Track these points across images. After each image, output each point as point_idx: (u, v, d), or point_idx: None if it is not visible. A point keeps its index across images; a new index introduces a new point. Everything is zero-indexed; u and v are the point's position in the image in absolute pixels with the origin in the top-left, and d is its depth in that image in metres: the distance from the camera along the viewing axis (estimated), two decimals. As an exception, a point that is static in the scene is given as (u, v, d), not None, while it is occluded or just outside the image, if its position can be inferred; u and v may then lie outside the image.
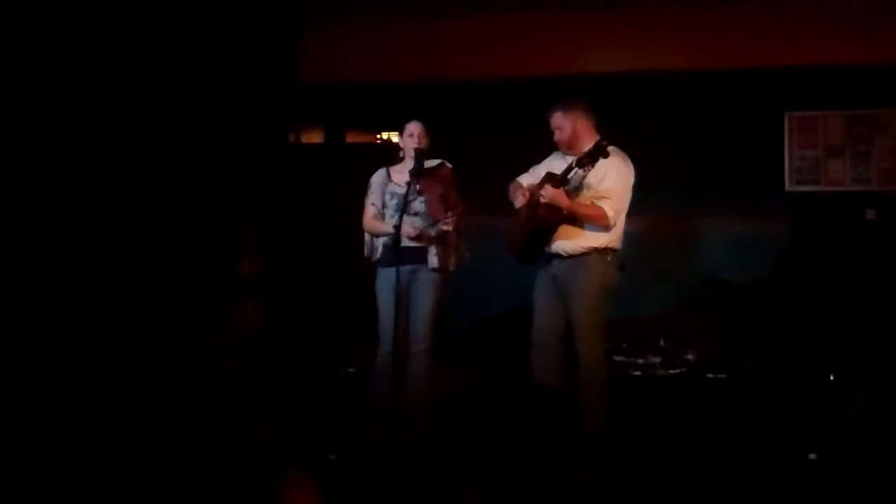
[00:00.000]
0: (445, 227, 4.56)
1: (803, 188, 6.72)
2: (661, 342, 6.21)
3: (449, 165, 4.77)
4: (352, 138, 7.91)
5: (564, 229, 4.46)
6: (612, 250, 4.52)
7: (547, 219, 4.43)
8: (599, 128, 4.53)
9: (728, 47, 6.22)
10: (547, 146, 4.78)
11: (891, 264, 6.11)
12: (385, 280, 4.61)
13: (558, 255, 4.52)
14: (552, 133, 4.56)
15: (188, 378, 5.40)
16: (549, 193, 4.36)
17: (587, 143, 4.40)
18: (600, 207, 4.40)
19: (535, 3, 6.37)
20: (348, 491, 3.66)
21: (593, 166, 4.30)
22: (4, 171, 4.84)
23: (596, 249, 4.46)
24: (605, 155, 4.27)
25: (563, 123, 4.50)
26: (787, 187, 6.74)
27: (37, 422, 4.19)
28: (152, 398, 4.82)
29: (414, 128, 4.67)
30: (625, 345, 6.10)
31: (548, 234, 4.49)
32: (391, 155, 4.91)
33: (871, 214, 6.47)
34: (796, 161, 6.74)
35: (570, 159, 4.47)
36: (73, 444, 3.98)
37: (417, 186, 4.60)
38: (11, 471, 3.49)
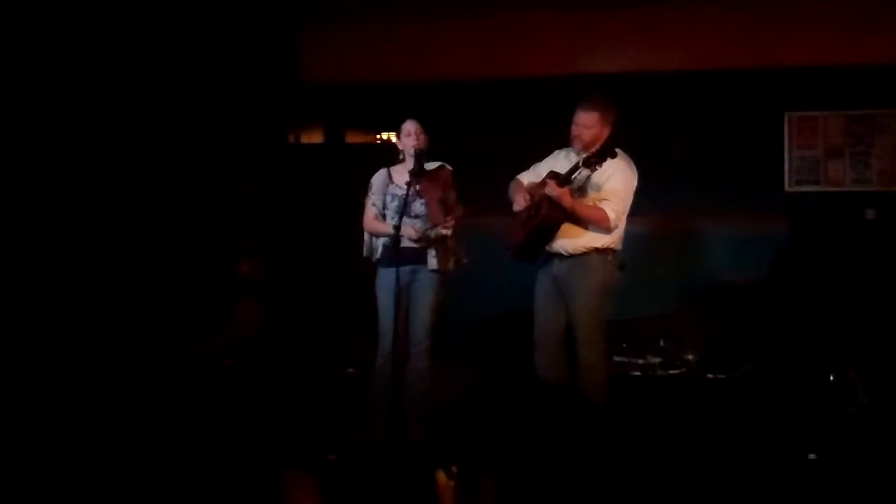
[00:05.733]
0: (445, 231, 4.55)
1: (803, 188, 6.72)
2: (661, 342, 6.22)
3: (449, 168, 4.76)
4: (352, 138, 7.91)
5: (566, 229, 4.47)
6: (613, 250, 4.53)
7: (550, 217, 4.44)
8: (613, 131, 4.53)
9: (728, 47, 6.22)
10: (546, 146, 4.78)
11: (891, 264, 6.11)
12: (385, 280, 4.60)
13: (559, 255, 4.52)
14: (570, 127, 4.52)
15: (188, 378, 5.40)
16: (553, 191, 4.35)
17: (600, 145, 4.41)
18: (602, 209, 4.40)
19: (536, 3, 6.37)
20: (348, 491, 3.66)
21: (600, 166, 4.30)
22: (5, 172, 4.84)
23: (597, 249, 4.47)
24: (613, 155, 4.27)
25: (595, 125, 4.47)
26: (787, 187, 6.74)
27: (37, 421, 4.19)
28: (152, 398, 4.82)
29: (411, 127, 4.66)
30: (625, 345, 6.11)
31: (550, 232, 4.49)
32: (391, 155, 4.90)
33: (871, 214, 6.47)
34: (796, 161, 6.74)
35: (574, 157, 4.48)
36: (72, 443, 3.98)
37: (417, 187, 4.59)
38: (11, 470, 3.49)
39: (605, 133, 4.48)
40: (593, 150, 4.37)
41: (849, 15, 6.02)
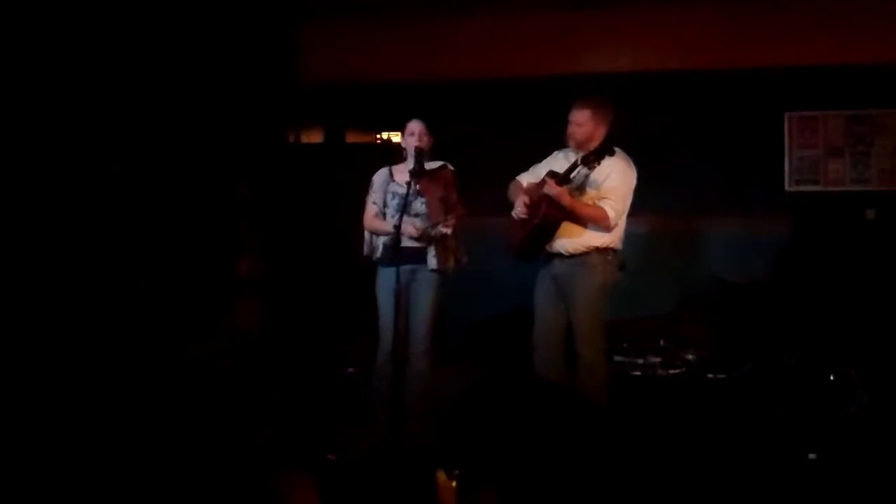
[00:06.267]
0: (445, 230, 4.55)
1: (803, 188, 6.72)
2: (661, 342, 6.21)
3: (451, 168, 4.76)
4: (352, 138, 7.90)
5: (566, 228, 4.47)
6: (613, 250, 4.53)
7: (549, 217, 4.44)
8: (611, 131, 4.53)
9: (728, 47, 6.22)
10: (546, 146, 4.78)
11: (891, 264, 6.10)
12: (385, 280, 4.60)
13: (559, 255, 4.52)
14: (566, 125, 4.53)
15: (187, 378, 5.40)
16: (552, 189, 4.36)
17: (596, 143, 4.41)
18: (601, 208, 4.40)
19: (536, 3, 6.37)
20: (348, 491, 3.66)
21: (598, 164, 4.31)
22: (5, 171, 4.84)
23: (597, 249, 4.47)
24: (611, 153, 4.28)
25: (587, 122, 4.48)
26: (787, 187, 6.74)
27: (37, 421, 4.19)
28: (152, 397, 4.82)
29: (415, 126, 4.66)
30: (625, 345, 6.10)
31: (550, 232, 4.49)
32: (391, 155, 4.91)
33: (871, 214, 6.47)
34: (796, 161, 6.74)
35: (573, 157, 4.48)
36: (72, 442, 3.98)
37: (417, 186, 4.59)
38: (11, 470, 3.49)
39: (601, 131, 4.48)
40: (591, 148, 4.37)
41: (849, 15, 6.01)
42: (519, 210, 4.58)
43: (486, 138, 6.63)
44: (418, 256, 4.60)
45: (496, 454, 1.32)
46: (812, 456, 4.29)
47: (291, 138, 7.49)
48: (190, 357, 5.70)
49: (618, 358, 5.94)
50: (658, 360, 6.07)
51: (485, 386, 1.40)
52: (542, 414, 1.35)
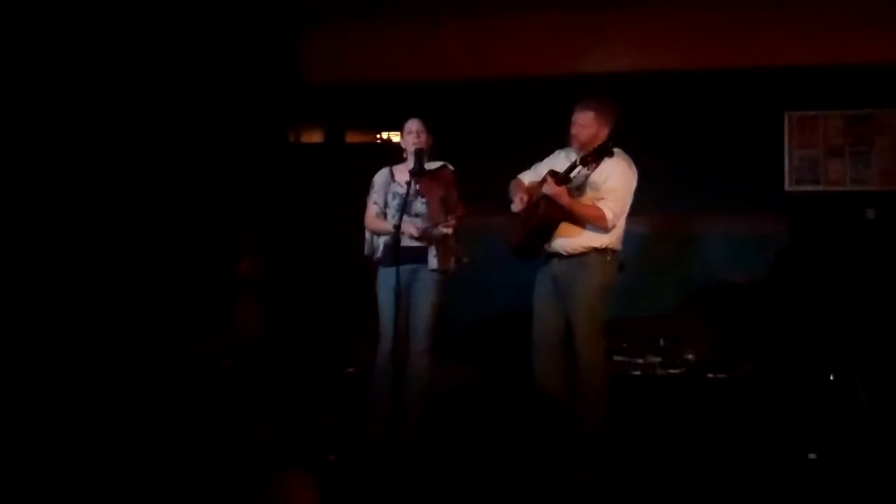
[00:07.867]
0: (445, 230, 4.56)
1: (803, 188, 6.72)
2: (661, 342, 6.21)
3: (451, 168, 4.76)
4: (352, 138, 7.90)
5: (565, 228, 4.48)
6: (612, 250, 4.53)
7: (548, 216, 4.45)
8: (613, 131, 4.53)
9: (728, 47, 6.22)
10: (547, 146, 4.79)
11: (891, 264, 6.10)
12: (385, 280, 4.61)
13: (558, 255, 4.53)
14: (569, 126, 4.53)
15: (188, 377, 5.40)
16: (551, 189, 4.38)
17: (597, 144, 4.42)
18: (599, 208, 4.41)
19: (535, 3, 6.37)
20: (348, 491, 3.66)
21: (597, 165, 4.32)
22: (5, 171, 4.84)
23: (596, 249, 4.48)
24: (610, 154, 4.29)
25: (590, 124, 4.48)
26: (787, 187, 6.74)
27: (36, 420, 4.20)
28: (152, 397, 4.83)
29: (413, 125, 4.66)
30: (625, 345, 6.10)
31: (549, 231, 4.50)
32: (391, 155, 4.91)
33: (871, 214, 6.47)
34: (796, 161, 6.74)
35: (574, 157, 4.49)
36: (72, 442, 3.98)
37: (417, 187, 4.60)
38: (11, 470, 3.49)
39: (604, 132, 4.48)
40: (591, 149, 4.38)
41: (849, 14, 6.01)
42: (516, 205, 4.59)
43: (486, 138, 6.63)
44: (419, 256, 4.60)
45: (464, 465, 1.32)
46: (812, 456, 4.29)
47: (292, 138, 7.50)
48: (190, 357, 5.70)
49: (618, 358, 5.94)
50: (658, 360, 6.06)
51: (449, 399, 1.40)
52: (506, 424, 1.35)
